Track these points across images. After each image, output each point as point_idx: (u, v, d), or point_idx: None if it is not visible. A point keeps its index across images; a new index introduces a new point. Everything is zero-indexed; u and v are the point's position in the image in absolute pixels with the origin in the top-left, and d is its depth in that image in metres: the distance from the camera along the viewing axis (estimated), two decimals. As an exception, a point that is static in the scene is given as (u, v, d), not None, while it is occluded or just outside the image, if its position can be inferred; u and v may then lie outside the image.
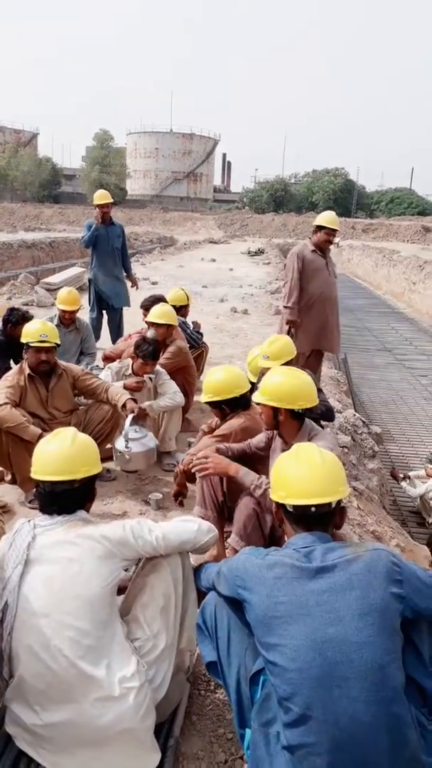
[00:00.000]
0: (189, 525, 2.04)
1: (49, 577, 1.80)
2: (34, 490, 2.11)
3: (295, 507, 1.72)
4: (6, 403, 3.56)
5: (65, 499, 1.93)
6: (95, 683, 1.74)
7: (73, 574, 1.79)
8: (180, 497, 3.22)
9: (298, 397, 2.65)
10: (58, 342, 3.84)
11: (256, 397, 2.78)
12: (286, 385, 2.66)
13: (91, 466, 1.99)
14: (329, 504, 1.71)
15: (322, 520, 1.72)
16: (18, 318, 4.92)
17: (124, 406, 3.84)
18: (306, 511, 1.71)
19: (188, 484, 3.19)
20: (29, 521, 1.94)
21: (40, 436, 3.42)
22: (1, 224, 33.02)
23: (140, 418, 3.92)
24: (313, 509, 1.70)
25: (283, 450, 2.75)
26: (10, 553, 1.86)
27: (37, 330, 3.75)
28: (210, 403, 3.27)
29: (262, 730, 1.55)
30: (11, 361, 5.11)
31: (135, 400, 3.92)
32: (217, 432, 3.26)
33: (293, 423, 2.71)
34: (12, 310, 5.16)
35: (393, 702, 1.43)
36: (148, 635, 1.91)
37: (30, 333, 3.75)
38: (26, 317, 4.93)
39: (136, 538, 1.91)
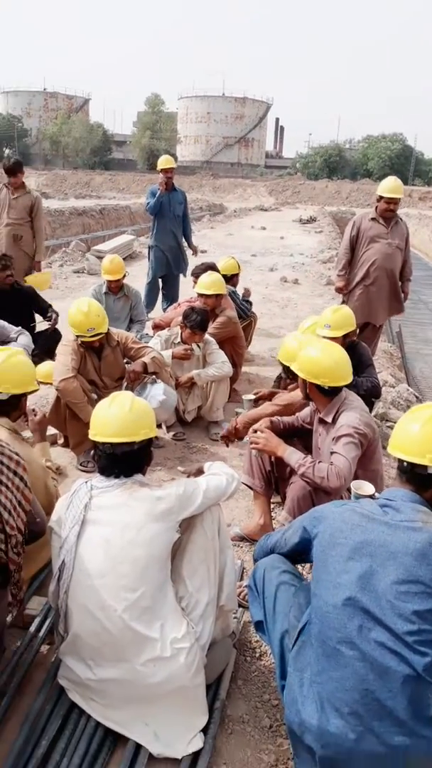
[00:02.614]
0: (219, 478, 2.11)
1: (106, 539, 1.84)
2: (91, 452, 2.15)
3: (399, 460, 1.78)
4: (73, 377, 3.65)
5: (125, 461, 1.96)
6: (148, 644, 1.79)
7: (130, 537, 1.83)
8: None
9: (322, 375, 2.70)
10: (105, 330, 3.81)
11: (293, 365, 2.89)
12: (314, 360, 2.73)
13: (149, 428, 2.02)
14: (425, 467, 1.71)
15: (416, 479, 1.74)
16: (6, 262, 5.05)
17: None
18: (402, 466, 1.76)
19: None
20: (86, 482, 1.99)
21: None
22: (52, 191, 33.25)
23: (132, 381, 3.95)
24: (405, 464, 1.75)
25: (318, 421, 2.84)
26: (68, 514, 1.91)
27: (83, 323, 3.70)
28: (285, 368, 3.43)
29: (297, 674, 1.63)
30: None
31: (145, 364, 3.90)
32: (279, 401, 3.32)
33: (319, 396, 2.78)
34: None
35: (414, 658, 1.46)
36: (191, 591, 1.96)
37: (77, 325, 3.73)
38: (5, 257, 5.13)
39: (189, 497, 1.96)
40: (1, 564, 1.87)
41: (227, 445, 3.59)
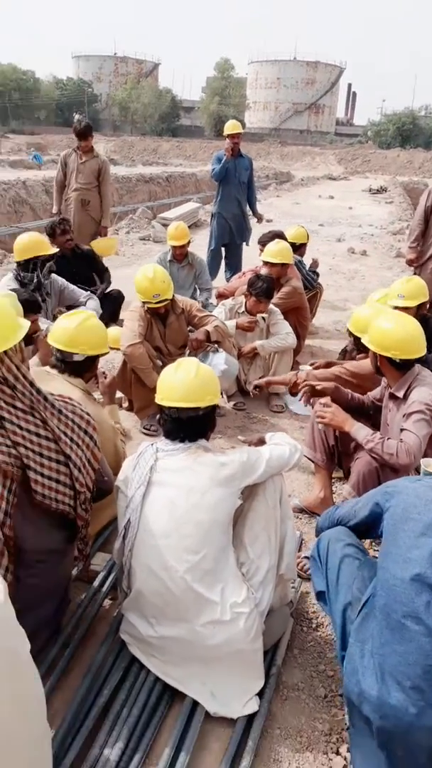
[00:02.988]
0: (282, 449, 2.09)
1: (170, 501, 1.87)
2: (157, 417, 2.18)
3: None
4: (140, 342, 3.70)
5: (190, 426, 1.97)
6: (209, 606, 1.82)
7: (194, 501, 1.85)
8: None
9: (394, 347, 2.62)
10: (170, 297, 3.82)
11: (364, 338, 2.81)
12: (387, 332, 2.64)
13: (213, 395, 2.02)
14: None
15: None
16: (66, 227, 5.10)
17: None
18: None
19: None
20: (152, 445, 2.02)
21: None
22: (120, 158, 33.39)
23: (194, 349, 3.93)
24: None
25: (389, 397, 2.75)
26: (134, 474, 1.95)
27: (148, 289, 3.73)
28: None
29: (358, 645, 1.62)
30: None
31: (208, 333, 3.89)
32: (350, 366, 3.27)
33: (391, 370, 2.70)
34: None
35: None
36: (252, 557, 1.97)
37: (143, 291, 3.76)
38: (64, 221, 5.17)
39: (253, 465, 1.96)
40: (69, 519, 1.93)
41: (257, 393, 3.80)
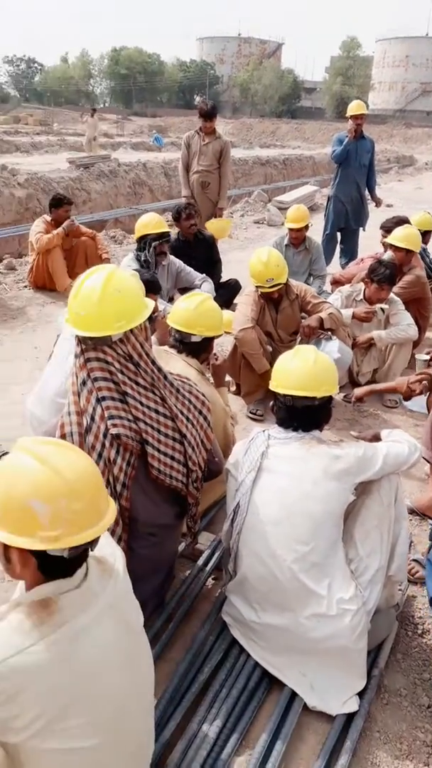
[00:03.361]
0: (401, 446, 2.00)
1: (281, 489, 1.85)
2: (270, 404, 2.15)
3: None
4: (251, 327, 3.69)
5: (304, 415, 1.94)
6: (315, 599, 1.79)
7: (305, 491, 1.82)
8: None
9: None
10: (284, 281, 3.75)
11: None
12: None
13: (330, 385, 1.97)
14: None
15: None
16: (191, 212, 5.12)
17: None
18: None
19: None
20: (264, 431, 2.00)
21: (267, 373, 3.57)
22: (238, 140, 33.35)
23: (307, 336, 3.80)
24: None
25: None
26: (245, 459, 1.95)
27: (262, 273, 3.67)
28: None
29: None
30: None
31: (322, 320, 3.77)
32: None
33: None
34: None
35: None
36: (361, 555, 1.91)
37: (256, 275, 3.72)
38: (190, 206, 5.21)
39: (369, 461, 1.89)
40: (181, 496, 1.97)
41: (358, 403, 3.66)
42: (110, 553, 1.35)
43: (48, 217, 5.80)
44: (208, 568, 2.34)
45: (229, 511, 1.97)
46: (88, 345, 1.77)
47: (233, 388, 4.13)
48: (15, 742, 1.11)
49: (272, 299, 3.87)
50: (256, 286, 3.79)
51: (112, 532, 1.76)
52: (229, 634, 2.03)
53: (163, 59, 76.36)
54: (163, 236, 4.51)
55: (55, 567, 1.16)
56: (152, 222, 4.52)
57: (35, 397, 3.05)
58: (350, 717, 1.82)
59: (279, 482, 1.87)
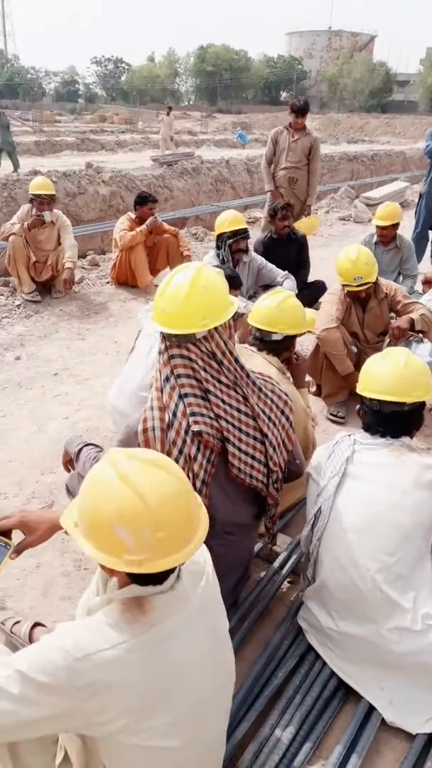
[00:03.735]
0: None
1: (366, 497, 1.79)
2: (357, 407, 2.09)
3: None
4: (335, 327, 3.62)
5: (392, 421, 1.87)
6: (398, 611, 1.72)
7: (393, 500, 1.75)
8: None
9: None
10: (373, 280, 3.63)
11: None
12: None
13: (423, 390, 1.88)
14: None
15: None
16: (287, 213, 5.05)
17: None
18: None
19: None
20: (349, 435, 1.94)
21: (351, 375, 3.47)
22: (325, 135, 32.79)
23: (395, 337, 3.63)
24: None
25: None
26: (328, 463, 1.90)
27: (349, 271, 3.57)
28: None
29: None
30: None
31: (413, 321, 3.58)
32: None
33: None
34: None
35: None
36: None
37: (344, 274, 3.61)
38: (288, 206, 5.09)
39: None
40: (260, 496, 1.94)
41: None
42: (200, 553, 1.33)
43: (132, 215, 5.92)
44: (284, 571, 2.30)
45: (310, 516, 1.93)
46: (173, 342, 1.78)
47: (313, 389, 4.06)
48: (98, 737, 1.13)
49: (359, 298, 3.76)
50: (343, 285, 3.70)
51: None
52: (305, 639, 1.99)
53: (251, 55, 76.24)
54: (238, 233, 4.50)
55: (144, 577, 1.15)
56: (228, 220, 4.52)
57: (117, 390, 3.12)
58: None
59: (364, 489, 1.81)
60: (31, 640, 1.86)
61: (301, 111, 6.03)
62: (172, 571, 1.19)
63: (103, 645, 1.09)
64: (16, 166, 14.03)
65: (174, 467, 1.21)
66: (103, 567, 1.20)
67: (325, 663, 1.91)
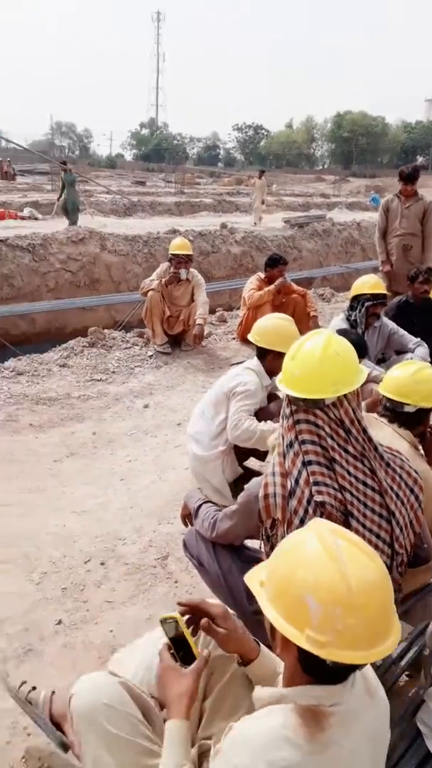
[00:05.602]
0: None
1: None
2: None
3: None
4: None
5: None
6: None
7: None
8: None
9: None
10: None
11: None
12: None
13: None
14: None
15: None
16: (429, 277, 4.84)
17: None
18: None
19: None
20: None
21: None
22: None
23: None
24: None
25: None
26: None
27: None
28: None
29: None
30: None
31: None
32: None
33: None
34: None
35: None
36: None
37: None
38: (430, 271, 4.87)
39: None
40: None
41: None
42: (368, 668, 1.22)
43: (262, 275, 6.07)
44: (402, 662, 2.11)
45: (437, 607, 1.77)
46: (299, 407, 1.75)
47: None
48: None
49: None
50: None
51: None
52: (424, 745, 1.79)
53: (388, 121, 76.97)
54: (377, 297, 4.43)
55: (315, 667, 1.06)
56: (369, 283, 4.48)
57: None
58: None
59: None
60: (50, 710, 1.69)
61: (409, 178, 5.98)
62: (346, 676, 1.09)
63: (279, 763, 1.01)
64: (72, 223, 13.10)
65: (378, 559, 1.12)
66: (273, 644, 1.14)
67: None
